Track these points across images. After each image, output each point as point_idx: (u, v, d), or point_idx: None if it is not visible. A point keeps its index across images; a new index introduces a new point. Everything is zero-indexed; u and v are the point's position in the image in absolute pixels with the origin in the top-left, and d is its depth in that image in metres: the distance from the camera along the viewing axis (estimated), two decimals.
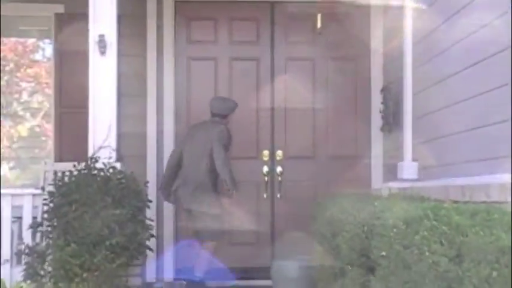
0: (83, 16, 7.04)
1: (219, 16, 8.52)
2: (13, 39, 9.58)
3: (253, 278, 7.98)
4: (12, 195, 7.00)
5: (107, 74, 6.93)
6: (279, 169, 8.48)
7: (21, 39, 9.63)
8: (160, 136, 8.31)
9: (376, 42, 8.41)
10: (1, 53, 9.48)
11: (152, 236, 6.65)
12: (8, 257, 6.82)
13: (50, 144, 9.28)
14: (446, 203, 4.09)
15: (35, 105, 9.58)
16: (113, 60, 6.92)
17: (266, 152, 8.52)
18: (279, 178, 8.47)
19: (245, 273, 8.06)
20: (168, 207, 8.18)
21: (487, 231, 3.11)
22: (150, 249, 6.73)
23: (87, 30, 6.91)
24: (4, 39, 9.49)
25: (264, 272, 7.63)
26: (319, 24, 8.40)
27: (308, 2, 8.39)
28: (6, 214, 6.90)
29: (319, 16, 8.37)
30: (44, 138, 9.63)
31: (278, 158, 8.52)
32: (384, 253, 4.02)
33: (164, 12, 8.36)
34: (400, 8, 7.14)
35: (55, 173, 7.69)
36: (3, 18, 8.48)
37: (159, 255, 7.91)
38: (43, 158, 9.25)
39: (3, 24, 8.87)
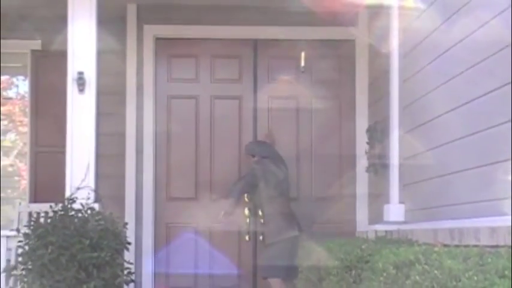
0: (61, 52, 7.06)
1: (200, 53, 8.58)
2: None
3: None
4: None
5: (85, 112, 6.92)
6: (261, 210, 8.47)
7: None
8: (140, 176, 8.31)
9: (362, 81, 8.48)
10: None
11: (132, 280, 6.63)
12: None
13: (24, 184, 9.25)
14: (437, 247, 4.11)
15: (8, 144, 9.53)
16: (92, 98, 6.92)
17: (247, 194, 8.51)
18: (262, 220, 8.45)
19: None
20: (148, 252, 8.17)
21: (481, 276, 3.13)
22: None
23: (65, 67, 6.92)
24: None
25: None
26: (302, 63, 8.45)
27: (292, 40, 8.46)
28: None
29: (302, 54, 8.42)
30: (17, 178, 9.58)
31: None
32: None
33: (144, 49, 8.40)
34: (386, 46, 7.22)
35: (30, 214, 7.68)
36: None
37: None
38: (16, 199, 9.18)
39: None
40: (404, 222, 6.71)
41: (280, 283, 7.66)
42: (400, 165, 6.96)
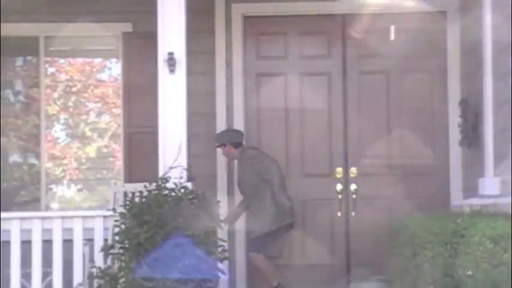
0: (151, 34, 7.13)
1: (288, 30, 8.55)
2: (80, 59, 9.73)
3: None
4: (84, 217, 7.09)
5: (176, 93, 6.98)
6: (353, 187, 8.43)
7: (88, 60, 9.78)
8: None
9: (453, 53, 8.33)
10: (68, 73, 9.72)
11: (225, 258, 6.68)
12: (81, 281, 6.91)
13: (118, 164, 9.39)
14: None
15: (103, 126, 9.68)
16: (182, 78, 6.98)
17: (339, 169, 8.49)
18: (354, 196, 8.42)
19: None
20: (240, 229, 8.21)
21: None
22: (223, 271, 6.75)
23: (155, 48, 7.00)
24: (71, 60, 9.69)
25: None
26: (392, 36, 8.35)
27: (380, 14, 8.36)
28: (78, 237, 7.00)
29: (392, 28, 8.32)
30: (111, 159, 9.73)
31: (352, 175, 8.47)
32: (470, 272, 3.97)
33: (233, 28, 8.42)
34: (479, 16, 7.06)
35: (125, 194, 7.80)
36: (73, 38, 8.72)
37: (231, 277, 7.92)
38: (111, 179, 9.33)
39: (72, 45, 9.11)
40: (500, 196, 6.59)
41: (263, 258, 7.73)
42: (495, 138, 6.82)
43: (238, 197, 8.20)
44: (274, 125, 8.43)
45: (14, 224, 6.95)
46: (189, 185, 6.76)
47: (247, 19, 8.50)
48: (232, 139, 8.11)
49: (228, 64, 8.41)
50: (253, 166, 7.91)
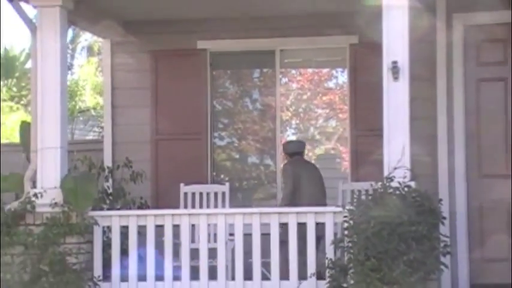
0: (376, 45, 7.18)
1: (508, 37, 8.25)
2: (310, 70, 9.92)
3: None
4: (315, 213, 7.24)
5: (399, 98, 7.00)
6: None
7: (317, 70, 9.95)
8: (451, 156, 8.17)
9: None
10: (299, 83, 9.93)
11: (448, 252, 6.58)
12: (314, 271, 7.05)
13: (345, 165, 9.49)
14: None
15: (330, 130, 9.82)
16: (405, 84, 6.99)
17: None
18: None
19: None
20: (462, 226, 8.03)
21: None
22: (446, 265, 6.66)
23: (380, 57, 7.04)
24: (302, 71, 9.90)
25: None
26: None
27: None
28: (311, 231, 7.15)
29: None
30: (338, 160, 9.83)
31: None
32: None
33: (453, 37, 8.24)
34: None
35: (352, 192, 7.87)
36: (304, 51, 8.89)
37: (454, 271, 7.77)
38: (337, 179, 9.42)
39: (303, 56, 9.29)
40: None
41: None
42: None
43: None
44: (494, 126, 8.18)
45: (255, 218, 7.23)
46: (413, 184, 6.75)
47: (467, 27, 8.27)
48: (284, 150, 8.66)
49: (449, 70, 8.24)
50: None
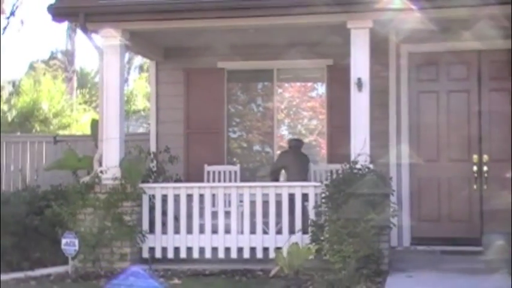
0: (345, 65, 7.14)
1: (440, 62, 8.20)
2: (298, 83, 9.85)
3: (465, 245, 7.53)
4: (301, 186, 7.21)
5: (362, 104, 6.98)
6: (485, 168, 7.94)
7: (303, 83, 9.88)
8: (399, 146, 8.12)
9: None
10: (290, 93, 9.85)
11: (396, 215, 6.55)
12: (300, 227, 7.02)
13: (323, 152, 9.43)
14: None
15: (312, 127, 9.76)
16: (366, 94, 6.98)
17: (475, 156, 8.04)
18: (485, 175, 7.94)
19: (458, 241, 7.65)
20: (406, 196, 7.99)
21: None
22: (394, 224, 6.63)
23: (348, 75, 7.00)
24: (292, 84, 9.82)
25: (474, 241, 7.22)
26: None
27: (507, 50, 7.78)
28: (298, 198, 7.11)
29: None
30: (318, 148, 9.78)
31: (484, 160, 7.99)
32: None
33: (401, 61, 8.18)
34: None
35: (331, 172, 7.83)
36: (294, 70, 8.83)
37: (399, 228, 7.74)
38: (318, 162, 9.38)
39: (293, 74, 9.24)
40: None
41: None
42: None
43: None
44: (428, 127, 8.13)
45: (258, 190, 7.19)
46: (371, 166, 6.72)
47: (411, 55, 8.19)
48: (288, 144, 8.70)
49: (398, 84, 8.17)
50: None
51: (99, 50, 7.63)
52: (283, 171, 8.56)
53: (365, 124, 6.92)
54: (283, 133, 9.64)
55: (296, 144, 8.68)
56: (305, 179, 8.17)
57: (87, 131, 10.41)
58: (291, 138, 9.06)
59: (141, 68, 22.98)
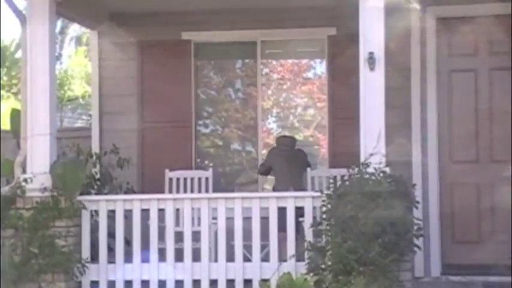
0: (353, 37, 7.17)
1: (476, 31, 8.25)
2: (289, 61, 9.90)
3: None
4: (295, 197, 7.23)
5: (375, 87, 6.99)
6: None
7: (296, 61, 9.94)
8: (424, 143, 8.19)
9: None
10: (280, 73, 9.91)
11: (421, 235, 6.60)
12: (293, 252, 7.05)
13: (323, 152, 9.49)
14: None
15: (308, 118, 9.82)
16: (381, 74, 6.98)
17: None
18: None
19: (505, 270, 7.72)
20: (434, 209, 8.06)
21: None
22: (419, 247, 6.68)
23: (356, 49, 7.03)
24: (282, 61, 9.88)
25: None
26: None
27: None
28: (291, 213, 7.14)
29: None
30: (316, 146, 9.84)
31: None
32: None
33: (427, 29, 8.24)
34: None
35: (334, 178, 7.87)
36: (284, 42, 8.85)
37: (426, 253, 7.80)
38: (317, 164, 9.44)
39: (283, 48, 9.26)
40: None
41: None
42: None
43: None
44: (465, 117, 8.19)
45: (237, 202, 7.22)
46: (388, 169, 6.76)
47: (439, 21, 8.27)
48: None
49: (423, 61, 8.23)
50: None
51: (21, 16, 7.60)
52: (270, 176, 8.66)
53: (379, 114, 6.94)
54: (271, 126, 9.69)
55: (285, 143, 8.75)
56: (300, 186, 8.21)
57: (6, 125, 10.36)
58: (279, 135, 9.13)
59: (78, 41, 22.91)
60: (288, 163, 8.57)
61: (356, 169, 6.76)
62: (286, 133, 9.39)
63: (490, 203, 8.04)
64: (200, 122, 9.55)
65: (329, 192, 6.81)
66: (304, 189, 8.27)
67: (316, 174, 8.70)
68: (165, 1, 8.56)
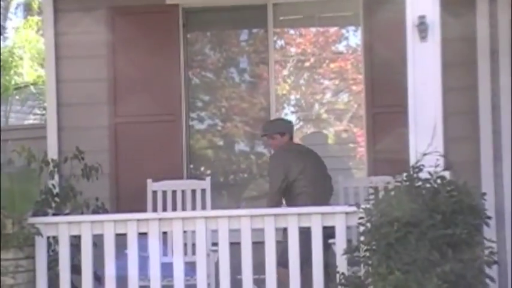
0: None
1: None
2: (313, 29, 9.91)
3: None
4: (322, 214, 7.24)
5: (428, 63, 6.97)
6: None
7: (322, 29, 9.94)
8: (497, 137, 8.22)
9: None
10: (300, 46, 9.94)
11: (495, 262, 6.60)
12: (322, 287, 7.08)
13: (361, 151, 9.52)
14: None
15: (341, 107, 9.84)
16: (435, 46, 6.95)
17: None
18: None
19: None
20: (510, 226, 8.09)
21: None
22: (492, 278, 6.69)
23: (403, 12, 7.04)
24: (303, 30, 9.90)
25: None
26: None
27: None
28: (317, 235, 7.17)
29: None
30: (352, 145, 9.87)
31: None
32: None
33: None
34: None
35: (375, 188, 7.91)
36: (305, 5, 8.91)
37: (502, 284, 7.82)
38: (351, 169, 9.50)
39: (304, 12, 9.30)
40: None
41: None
42: None
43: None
44: None
45: (245, 222, 7.25)
46: (447, 174, 6.75)
47: None
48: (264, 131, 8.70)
49: (492, 32, 8.25)
50: None
51: None
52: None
53: (434, 100, 6.94)
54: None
55: (281, 129, 8.71)
56: (328, 201, 8.23)
57: None
58: (267, 121, 9.06)
59: (27, 9, 23.02)
60: (319, 167, 8.56)
61: (404, 175, 6.78)
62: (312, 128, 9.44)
63: None
64: (193, 115, 9.61)
65: (369, 206, 6.82)
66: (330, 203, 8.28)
67: (350, 185, 8.74)
68: None
